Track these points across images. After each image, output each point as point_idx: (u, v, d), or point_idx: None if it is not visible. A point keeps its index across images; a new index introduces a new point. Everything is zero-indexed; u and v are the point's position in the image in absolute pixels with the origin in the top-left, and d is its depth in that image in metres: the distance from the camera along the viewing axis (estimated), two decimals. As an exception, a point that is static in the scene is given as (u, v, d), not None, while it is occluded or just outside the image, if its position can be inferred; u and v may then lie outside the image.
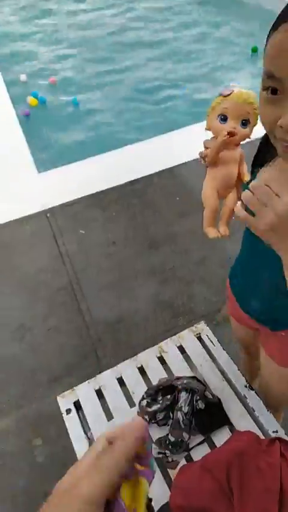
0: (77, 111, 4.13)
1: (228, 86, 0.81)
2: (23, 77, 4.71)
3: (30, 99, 4.29)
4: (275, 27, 0.53)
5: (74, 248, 2.46)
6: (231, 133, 0.79)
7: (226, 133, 0.79)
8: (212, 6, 6.00)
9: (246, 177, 0.87)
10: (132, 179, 2.84)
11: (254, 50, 4.79)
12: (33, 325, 2.10)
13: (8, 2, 6.87)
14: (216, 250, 2.32)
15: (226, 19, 5.58)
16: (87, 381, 1.25)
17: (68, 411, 1.17)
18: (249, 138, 0.85)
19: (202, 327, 1.37)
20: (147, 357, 1.30)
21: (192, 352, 1.30)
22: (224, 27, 5.45)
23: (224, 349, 1.31)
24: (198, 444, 1.10)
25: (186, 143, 2.76)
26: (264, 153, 0.75)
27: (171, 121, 3.69)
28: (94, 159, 3.05)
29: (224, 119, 0.81)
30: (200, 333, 1.35)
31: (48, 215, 2.66)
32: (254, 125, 0.83)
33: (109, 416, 1.18)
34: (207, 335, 1.34)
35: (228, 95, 0.79)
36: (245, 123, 0.81)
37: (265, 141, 0.75)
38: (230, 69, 4.60)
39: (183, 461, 1.07)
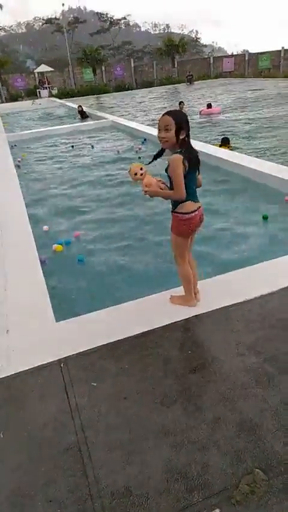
0: (88, 267, 4.50)
1: None
2: (45, 228, 5.41)
3: (56, 246, 4.81)
4: None
5: (84, 402, 2.40)
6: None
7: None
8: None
9: None
10: (146, 330, 2.93)
11: (265, 218, 5.28)
12: (32, 494, 1.92)
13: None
14: (230, 411, 2.24)
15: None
16: None
17: None
18: None
19: (219, 514, 1.25)
20: None
21: None
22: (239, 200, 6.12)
23: None
24: None
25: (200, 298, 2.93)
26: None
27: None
28: (110, 309, 3.21)
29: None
30: (217, 522, 1.23)
31: (62, 365, 2.68)
32: None
33: None
34: (225, 525, 1.21)
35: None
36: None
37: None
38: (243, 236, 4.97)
39: None
